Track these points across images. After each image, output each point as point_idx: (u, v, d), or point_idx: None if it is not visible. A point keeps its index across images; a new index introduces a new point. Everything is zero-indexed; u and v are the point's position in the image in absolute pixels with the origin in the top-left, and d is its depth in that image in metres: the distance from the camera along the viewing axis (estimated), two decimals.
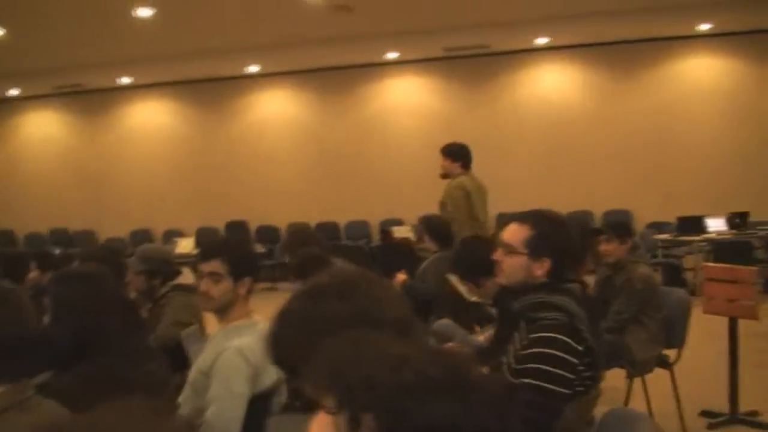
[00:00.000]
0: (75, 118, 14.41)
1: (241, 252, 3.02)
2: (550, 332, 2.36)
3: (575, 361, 2.32)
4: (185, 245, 11.42)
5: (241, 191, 13.38)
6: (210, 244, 3.07)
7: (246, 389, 2.74)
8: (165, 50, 11.76)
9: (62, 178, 14.28)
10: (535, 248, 2.51)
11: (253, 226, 13.40)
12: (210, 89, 13.59)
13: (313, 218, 12.65)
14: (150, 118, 14.05)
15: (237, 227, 13.27)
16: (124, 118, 14.14)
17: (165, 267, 4.40)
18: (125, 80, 13.46)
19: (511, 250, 2.55)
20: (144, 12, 9.58)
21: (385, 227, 11.92)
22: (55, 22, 9.87)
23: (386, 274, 4.84)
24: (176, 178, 13.78)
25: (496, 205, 7.01)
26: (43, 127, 14.58)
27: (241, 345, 2.80)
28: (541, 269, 2.50)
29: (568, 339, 2.33)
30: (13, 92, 14.08)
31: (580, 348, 2.33)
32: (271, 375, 2.84)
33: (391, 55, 12.66)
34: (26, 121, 14.66)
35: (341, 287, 1.55)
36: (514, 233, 2.57)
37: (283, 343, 1.55)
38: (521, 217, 2.61)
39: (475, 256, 3.63)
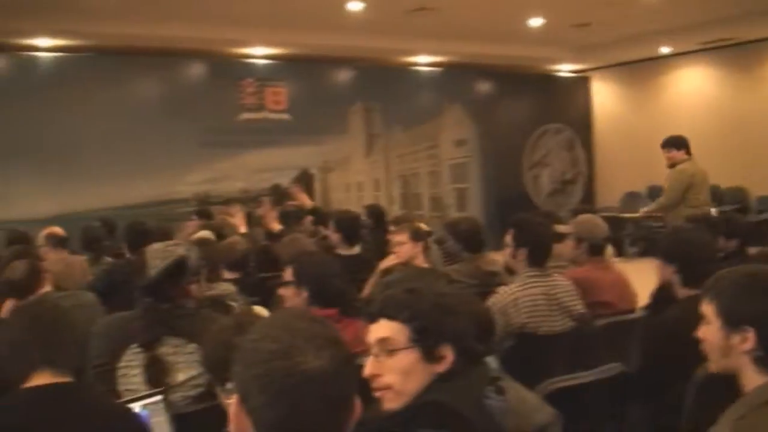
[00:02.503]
0: (723, 72, 14.22)
1: None
2: None
3: None
4: None
5: None
6: None
7: None
8: None
9: (710, 134, 14.21)
10: None
11: None
12: None
13: None
14: None
15: None
16: None
17: None
18: None
19: None
20: None
21: None
22: None
23: None
24: None
25: None
26: (691, 83, 14.76)
27: None
28: None
29: None
30: (664, 50, 14.55)
31: None
32: None
33: None
34: (675, 78, 15.02)
35: None
36: None
37: None
38: None
39: None
